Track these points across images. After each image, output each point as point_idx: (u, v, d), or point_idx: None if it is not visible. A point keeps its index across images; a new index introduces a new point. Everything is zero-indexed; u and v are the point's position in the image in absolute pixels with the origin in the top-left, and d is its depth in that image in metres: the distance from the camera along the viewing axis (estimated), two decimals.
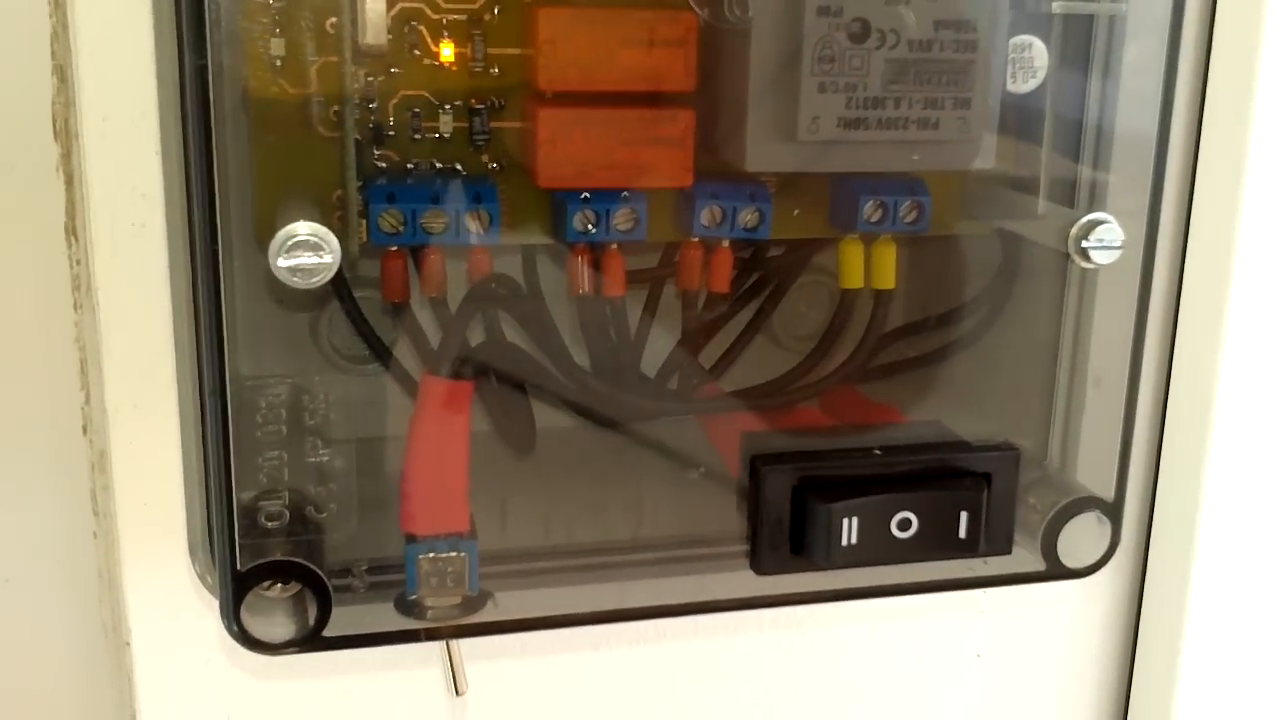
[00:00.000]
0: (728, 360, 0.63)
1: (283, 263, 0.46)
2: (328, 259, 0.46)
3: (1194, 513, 0.59)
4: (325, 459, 0.52)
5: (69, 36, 0.46)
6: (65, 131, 0.52)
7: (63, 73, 0.51)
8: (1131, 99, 0.55)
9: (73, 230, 0.53)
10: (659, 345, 0.60)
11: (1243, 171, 0.54)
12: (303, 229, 0.46)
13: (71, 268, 0.55)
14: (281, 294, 0.54)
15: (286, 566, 0.49)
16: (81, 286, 0.54)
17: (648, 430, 0.62)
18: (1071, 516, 0.57)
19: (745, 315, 0.63)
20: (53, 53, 0.52)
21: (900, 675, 0.63)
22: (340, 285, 0.53)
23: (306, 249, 0.46)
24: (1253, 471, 0.59)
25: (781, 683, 0.61)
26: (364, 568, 0.51)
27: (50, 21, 0.51)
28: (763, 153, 0.53)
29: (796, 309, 0.67)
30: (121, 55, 0.46)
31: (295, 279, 0.46)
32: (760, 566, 0.54)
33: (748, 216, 0.55)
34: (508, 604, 0.52)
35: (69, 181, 0.53)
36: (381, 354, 0.57)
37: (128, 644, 0.53)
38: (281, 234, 0.46)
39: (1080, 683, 0.65)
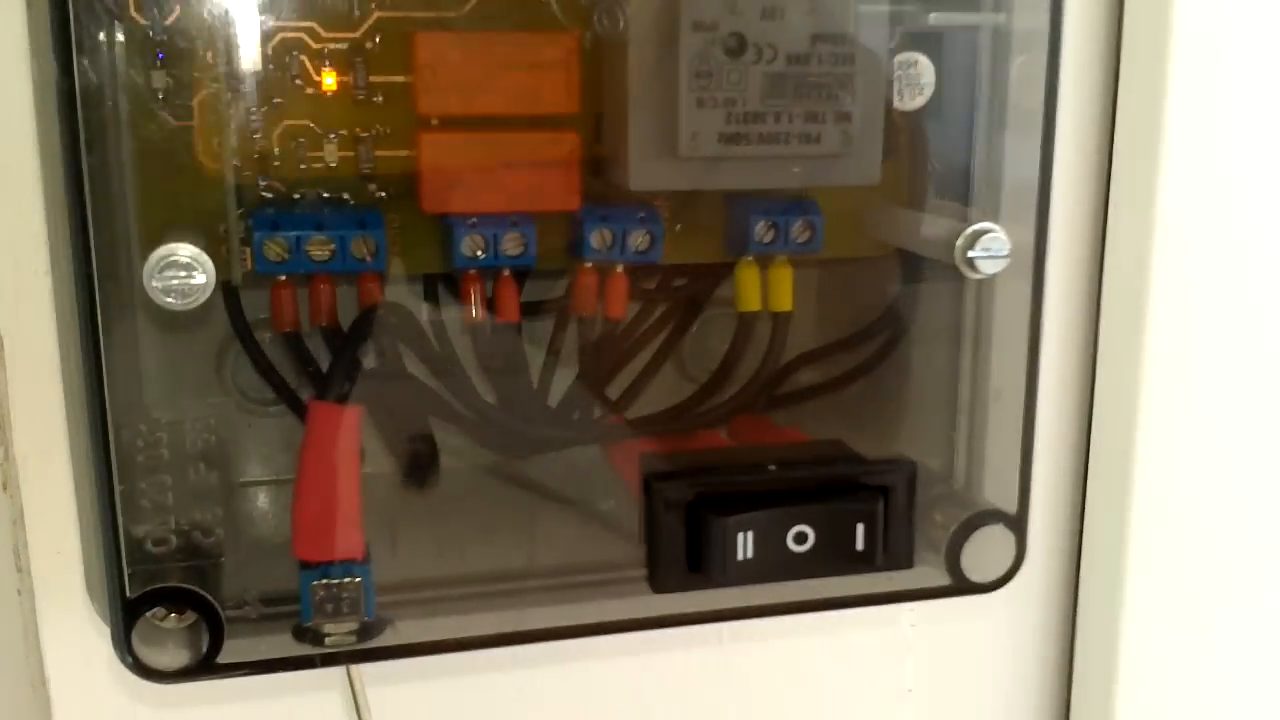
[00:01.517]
0: (634, 393, 0.63)
1: (156, 283, 0.46)
2: (200, 279, 0.46)
3: (1123, 516, 0.59)
4: (212, 484, 0.50)
5: None
6: None
7: None
8: (1019, 109, 0.55)
9: None
10: (565, 375, 0.61)
11: (1156, 172, 0.54)
12: (175, 250, 0.46)
13: None
14: (181, 336, 0.56)
15: (176, 593, 0.49)
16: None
17: (551, 459, 0.63)
18: (974, 530, 0.57)
19: (653, 348, 0.63)
20: None
21: (825, 697, 0.63)
22: (238, 322, 0.54)
23: (179, 269, 0.45)
24: (1178, 474, 0.59)
25: (696, 701, 0.61)
26: (256, 596, 0.52)
27: None
28: (646, 171, 0.53)
29: (706, 342, 0.67)
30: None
31: (169, 300, 0.46)
32: (658, 584, 0.54)
33: (639, 239, 0.55)
34: (406, 630, 0.52)
35: None
36: (284, 393, 0.57)
37: (48, 700, 0.53)
38: (154, 256, 0.46)
39: (1016, 697, 0.65)
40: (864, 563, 0.54)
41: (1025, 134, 0.54)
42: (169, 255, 0.46)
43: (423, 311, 0.57)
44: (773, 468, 0.54)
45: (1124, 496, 0.59)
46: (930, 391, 0.61)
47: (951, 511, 0.57)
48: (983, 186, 0.56)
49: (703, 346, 0.67)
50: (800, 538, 0.53)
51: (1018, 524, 0.57)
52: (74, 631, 0.52)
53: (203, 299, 0.46)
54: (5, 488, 0.51)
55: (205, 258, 0.46)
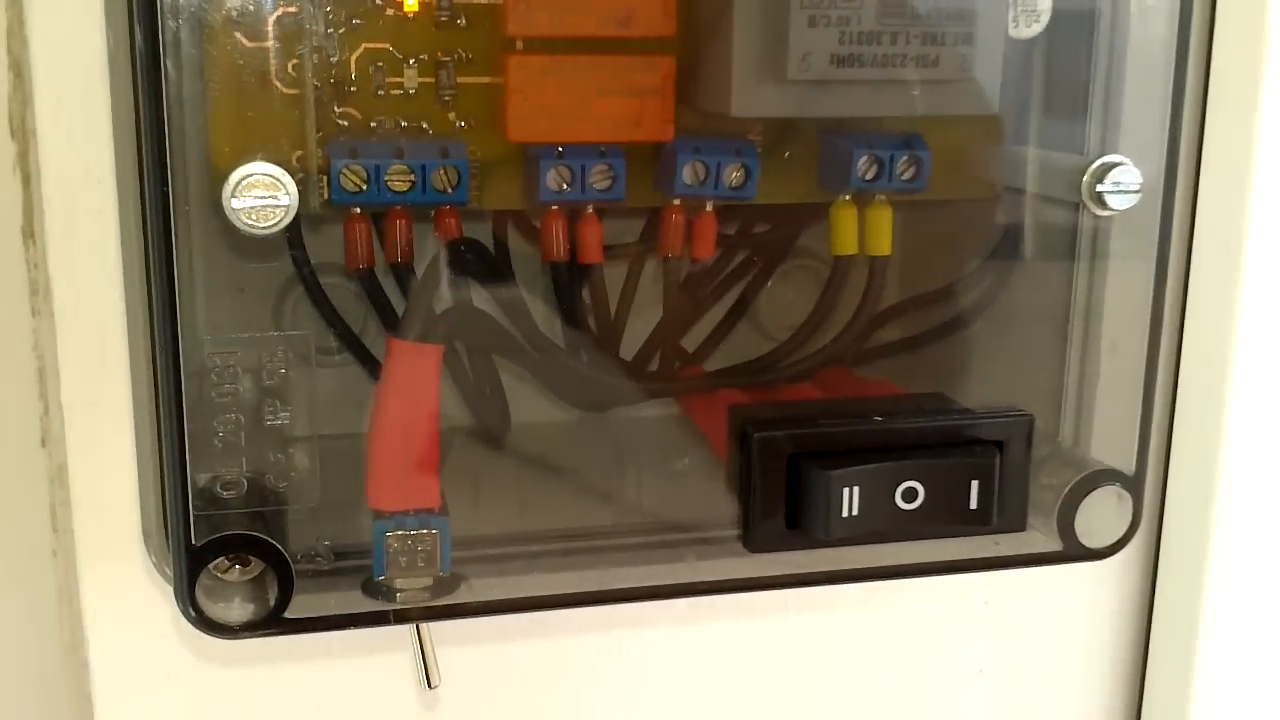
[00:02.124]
0: (710, 346, 0.60)
1: (236, 204, 0.43)
2: (284, 200, 0.43)
3: (1210, 487, 0.56)
4: (284, 422, 0.47)
5: (24, 30, 0.44)
6: (22, 129, 0.49)
7: (19, 69, 0.48)
8: (1142, 33, 0.52)
9: (30, 233, 0.50)
10: (639, 326, 0.57)
11: (1256, 111, 0.51)
12: (257, 169, 0.43)
13: (29, 272, 0.51)
14: (243, 280, 0.52)
15: (245, 541, 0.46)
16: (39, 291, 0.51)
17: (626, 413, 0.59)
18: (1089, 491, 0.53)
19: (729, 301, 0.60)
20: (9, 49, 0.48)
21: (898, 667, 0.60)
22: (304, 271, 0.51)
23: (261, 188, 0.42)
24: (1274, 441, 0.55)
25: (771, 668, 0.58)
26: (328, 545, 0.48)
27: (5, 16, 0.48)
28: (750, 96, 0.49)
29: (784, 296, 0.64)
30: (73, 33, 0.45)
31: (250, 222, 0.43)
32: (753, 542, 0.50)
33: (733, 174, 0.52)
34: (482, 588, 0.49)
35: (25, 181, 0.50)
36: (350, 340, 0.54)
37: (86, 662, 0.51)
38: (236, 174, 0.43)
39: (1091, 673, 0.62)
40: (977, 523, 0.51)
41: (1148, 64, 0.51)
42: (251, 174, 0.43)
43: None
44: (879, 418, 0.50)
45: (1211, 467, 0.57)
46: (1034, 345, 0.58)
47: (1061, 472, 0.54)
48: (1101, 120, 0.52)
49: (782, 302, 0.64)
50: (909, 494, 0.50)
51: (1135, 485, 0.53)
52: (125, 588, 0.50)
53: (286, 221, 0.43)
54: (45, 443, 0.49)
55: (288, 178, 0.43)
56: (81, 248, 0.46)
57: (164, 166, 0.42)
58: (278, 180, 0.43)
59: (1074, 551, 0.54)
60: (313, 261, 0.51)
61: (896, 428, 0.51)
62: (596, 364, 0.57)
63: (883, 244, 0.55)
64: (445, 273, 0.51)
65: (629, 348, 0.57)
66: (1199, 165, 0.56)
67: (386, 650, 0.53)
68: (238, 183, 0.42)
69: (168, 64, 0.43)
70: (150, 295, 0.44)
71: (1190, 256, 0.56)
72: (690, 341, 0.60)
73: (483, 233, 0.54)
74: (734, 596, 0.53)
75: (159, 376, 0.44)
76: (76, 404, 0.48)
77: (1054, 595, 0.61)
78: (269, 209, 0.43)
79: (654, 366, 0.58)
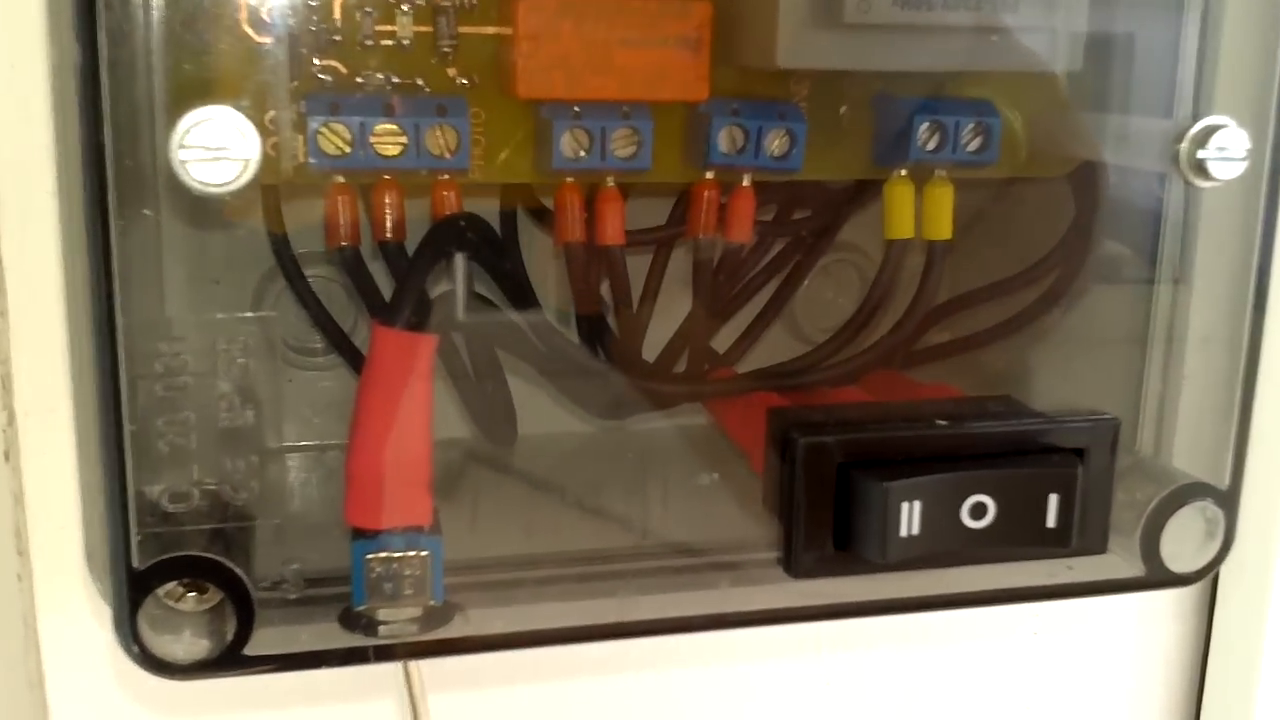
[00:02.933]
0: (741, 348, 0.54)
1: (183, 156, 0.36)
2: (242, 150, 0.35)
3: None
4: (246, 424, 0.41)
5: None
6: None
7: None
8: None
9: None
10: (665, 323, 0.52)
11: None
12: (212, 113, 0.37)
13: None
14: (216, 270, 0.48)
15: (196, 564, 0.40)
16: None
17: (649, 421, 0.53)
18: (1177, 509, 0.48)
19: (761, 299, 0.54)
20: None
21: (938, 703, 0.54)
22: (284, 256, 0.46)
23: (215, 136, 0.36)
24: None
25: (805, 708, 0.52)
26: (297, 569, 0.43)
27: None
28: (799, 44, 0.43)
29: (822, 296, 0.58)
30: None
31: (201, 177, 0.36)
32: (796, 567, 0.44)
33: (775, 141, 0.46)
34: (481, 620, 0.43)
35: None
36: (338, 341, 0.49)
37: (44, 702, 0.46)
38: (185, 119, 0.37)
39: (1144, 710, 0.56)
40: (1056, 543, 0.45)
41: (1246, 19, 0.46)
42: (204, 119, 0.37)
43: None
44: (942, 422, 0.45)
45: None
46: (1109, 341, 0.52)
47: (1143, 485, 0.48)
48: (1193, 82, 0.47)
49: (820, 301, 0.58)
50: (978, 510, 0.44)
51: (1229, 501, 0.48)
52: (72, 618, 0.45)
53: (245, 178, 0.37)
54: (7, 458, 0.43)
55: (249, 126, 0.37)
56: (34, 231, 0.42)
57: (97, 125, 0.36)
58: (235, 126, 0.37)
59: (1159, 577, 0.48)
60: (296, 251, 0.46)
61: (963, 433, 0.45)
62: (616, 364, 0.51)
63: (943, 227, 0.49)
64: (442, 252, 0.44)
65: (653, 347, 0.52)
66: None
67: (371, 694, 0.47)
68: (188, 129, 0.36)
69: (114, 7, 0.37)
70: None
71: None
72: (720, 343, 0.54)
73: (489, 211, 0.49)
74: (761, 630, 0.47)
75: (95, 367, 0.38)
76: (33, 410, 0.43)
77: (1108, 626, 0.55)
78: (225, 162, 0.37)
79: (680, 368, 0.52)
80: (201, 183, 0.37)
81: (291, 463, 0.53)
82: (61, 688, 0.45)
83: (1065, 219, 0.51)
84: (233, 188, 0.37)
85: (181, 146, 0.36)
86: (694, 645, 0.49)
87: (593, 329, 0.50)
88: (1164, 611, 0.55)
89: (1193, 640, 0.55)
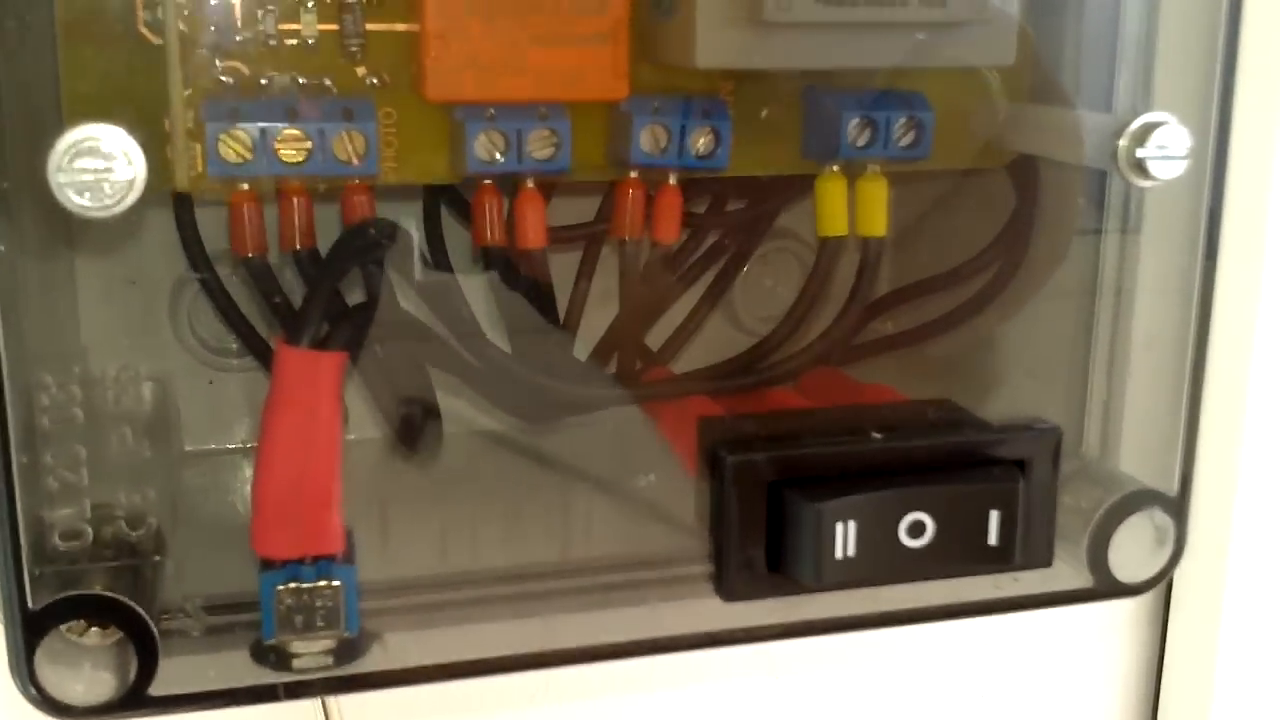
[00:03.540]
0: (678, 342, 0.53)
1: (62, 178, 0.34)
2: (126, 174, 0.33)
3: (1228, 509, 0.48)
4: (142, 456, 0.38)
5: None
6: None
7: None
8: None
9: None
10: (599, 321, 0.50)
11: None
12: (92, 133, 0.35)
13: None
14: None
15: (92, 602, 0.38)
16: None
17: (581, 426, 0.51)
18: (1125, 517, 0.46)
19: (699, 290, 0.54)
20: None
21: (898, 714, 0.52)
22: (190, 242, 0.43)
23: (96, 158, 0.34)
24: None
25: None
26: (200, 604, 0.41)
27: None
28: (718, 44, 0.42)
29: (760, 284, 0.58)
30: None
31: (82, 200, 0.35)
32: (728, 590, 0.43)
33: (700, 139, 0.45)
34: (400, 649, 0.42)
35: None
36: (250, 339, 0.47)
37: None
38: (64, 140, 0.35)
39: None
40: (998, 561, 0.44)
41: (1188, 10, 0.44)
42: (83, 141, 0.35)
43: (421, 235, 0.48)
44: (878, 436, 0.43)
45: (1230, 484, 0.49)
46: (1054, 340, 0.51)
47: (1089, 491, 0.47)
48: (1135, 76, 0.46)
49: (759, 290, 0.57)
50: (916, 529, 0.43)
51: (1178, 508, 0.47)
52: None
53: (128, 200, 0.35)
54: None
55: (134, 145, 0.35)
56: None
57: None
58: (118, 148, 0.35)
59: (1107, 588, 0.47)
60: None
61: (900, 446, 0.44)
62: (541, 367, 0.49)
63: (877, 223, 0.48)
64: (350, 264, 0.43)
65: (585, 347, 0.50)
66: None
67: None
68: (67, 150, 0.34)
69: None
70: None
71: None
72: (656, 338, 0.53)
73: (413, 212, 0.48)
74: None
75: None
76: None
77: (1060, 636, 0.53)
78: (107, 184, 0.35)
79: (612, 368, 0.51)
80: (84, 206, 0.35)
81: (210, 468, 0.52)
82: None
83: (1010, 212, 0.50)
84: (117, 210, 0.36)
85: (61, 169, 0.34)
86: (629, 667, 0.46)
87: (517, 332, 0.48)
88: (1118, 621, 0.54)
89: (1147, 651, 0.54)
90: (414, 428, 0.48)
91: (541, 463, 0.52)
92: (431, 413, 0.48)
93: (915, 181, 0.52)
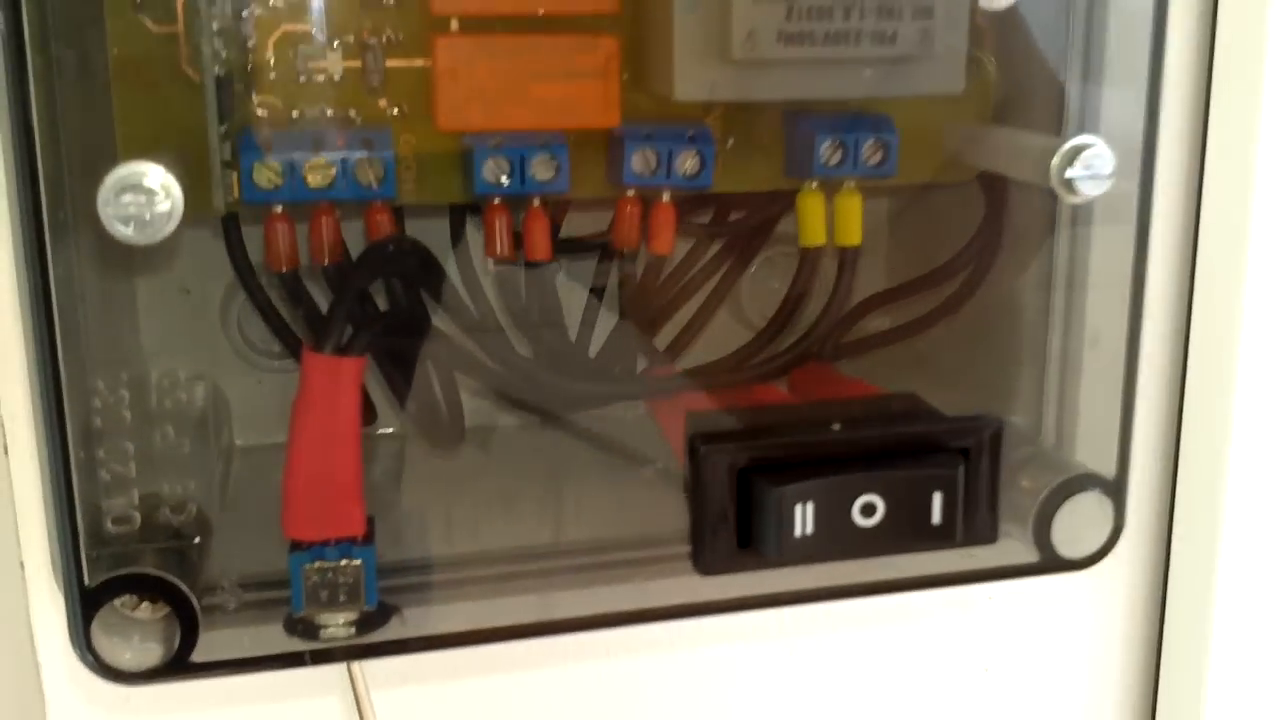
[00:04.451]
0: (683, 342, 0.57)
1: (111, 210, 0.38)
2: (164, 205, 0.38)
3: (1218, 491, 0.52)
4: (183, 451, 0.44)
5: None
6: None
7: None
8: (1120, 9, 0.48)
9: None
10: (605, 322, 0.55)
11: (1260, 82, 0.47)
12: (136, 170, 0.39)
13: None
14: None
15: (141, 580, 0.42)
16: None
17: (587, 420, 0.56)
18: (1066, 498, 0.49)
19: (706, 291, 0.57)
20: None
21: (896, 688, 0.55)
22: (239, 259, 0.49)
23: (139, 193, 0.38)
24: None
25: (754, 699, 0.54)
26: (235, 581, 0.45)
27: None
28: (694, 79, 0.46)
29: (766, 285, 0.61)
30: None
31: (127, 230, 0.39)
32: (703, 564, 0.47)
33: (687, 162, 0.48)
34: (415, 620, 0.46)
35: None
36: (290, 342, 0.51)
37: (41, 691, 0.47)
38: (111, 177, 0.39)
39: (1100, 685, 0.58)
40: (942, 539, 0.47)
41: (1126, 38, 0.48)
42: (128, 177, 0.39)
43: (446, 248, 0.51)
44: (836, 427, 0.47)
45: (1219, 463, 0.52)
46: (1016, 337, 0.54)
47: (1040, 475, 0.50)
48: (1077, 99, 0.49)
49: (763, 289, 0.61)
50: (868, 510, 0.46)
51: (1116, 490, 0.50)
52: (50, 619, 0.46)
53: (167, 230, 0.39)
54: (6, 451, 0.44)
55: (172, 181, 0.39)
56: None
57: (33, 170, 0.39)
58: (158, 185, 0.39)
59: (1051, 563, 0.50)
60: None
61: (854, 437, 0.48)
62: (554, 366, 0.54)
63: (852, 233, 0.51)
64: (371, 277, 0.48)
65: (594, 346, 0.55)
66: (1204, 149, 0.51)
67: (319, 693, 0.49)
68: (114, 186, 0.38)
69: (53, 53, 0.40)
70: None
71: (1196, 247, 0.52)
72: (664, 336, 0.57)
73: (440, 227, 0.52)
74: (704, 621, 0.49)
75: (41, 400, 0.41)
76: (19, 413, 0.44)
77: (1063, 588, 0.56)
78: (148, 215, 0.39)
79: (618, 368, 0.55)
80: (129, 235, 0.39)
81: (259, 460, 0.56)
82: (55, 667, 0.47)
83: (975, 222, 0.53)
84: (158, 238, 0.40)
85: (109, 202, 0.39)
86: (616, 635, 0.50)
87: (530, 336, 0.53)
88: (1120, 570, 0.56)
89: (1151, 594, 0.57)
90: (437, 421, 0.53)
91: (549, 452, 0.57)
92: (455, 409, 0.53)
93: (903, 192, 0.56)
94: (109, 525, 0.44)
